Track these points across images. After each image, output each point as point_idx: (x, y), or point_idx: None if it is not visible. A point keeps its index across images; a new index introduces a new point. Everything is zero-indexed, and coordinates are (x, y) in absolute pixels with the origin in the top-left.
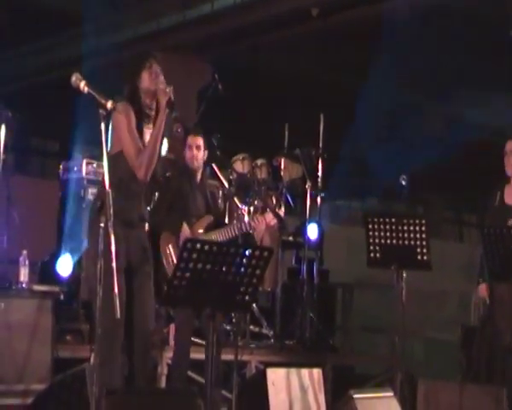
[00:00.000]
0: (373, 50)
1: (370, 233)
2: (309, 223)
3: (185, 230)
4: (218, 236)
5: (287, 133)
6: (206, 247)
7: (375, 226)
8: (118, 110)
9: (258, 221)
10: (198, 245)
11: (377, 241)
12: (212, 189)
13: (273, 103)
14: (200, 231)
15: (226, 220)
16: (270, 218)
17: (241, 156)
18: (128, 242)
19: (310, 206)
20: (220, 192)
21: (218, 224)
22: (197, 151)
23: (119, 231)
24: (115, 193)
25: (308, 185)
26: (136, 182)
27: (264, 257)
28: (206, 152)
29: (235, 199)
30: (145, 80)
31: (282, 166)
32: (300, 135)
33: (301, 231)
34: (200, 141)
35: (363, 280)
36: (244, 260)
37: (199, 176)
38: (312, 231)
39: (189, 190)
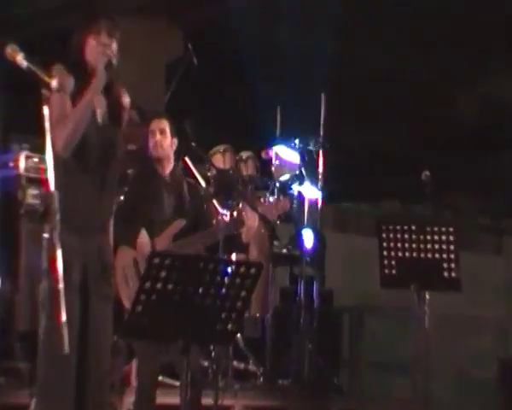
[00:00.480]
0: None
1: (385, 244)
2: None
3: (142, 241)
4: (192, 245)
5: (279, 118)
6: (178, 262)
7: (391, 236)
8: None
9: (247, 214)
10: (167, 261)
11: (393, 254)
12: (193, 186)
13: (262, 82)
14: (165, 241)
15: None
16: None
17: (221, 148)
18: (84, 255)
19: (308, 210)
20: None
21: (196, 227)
22: (161, 136)
23: (72, 241)
24: (64, 193)
25: (306, 184)
26: (92, 178)
27: (251, 275)
28: (175, 140)
29: (215, 202)
30: (90, 50)
31: (274, 161)
32: (296, 121)
33: (297, 241)
34: (165, 124)
35: (375, 303)
36: (226, 279)
37: (167, 168)
38: (307, 239)
39: (153, 188)
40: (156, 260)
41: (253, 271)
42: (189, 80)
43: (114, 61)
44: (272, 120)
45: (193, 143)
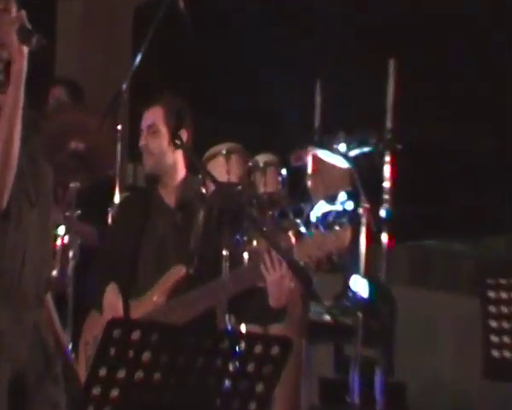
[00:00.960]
0: None
1: (493, 309)
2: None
3: (109, 303)
4: (189, 308)
5: (318, 101)
6: (155, 337)
7: (503, 295)
8: None
9: (271, 267)
10: (135, 334)
11: (507, 325)
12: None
13: (289, 44)
14: (152, 302)
15: None
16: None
17: (224, 148)
18: (14, 337)
19: (367, 251)
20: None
21: (202, 278)
22: (151, 136)
23: None
24: None
25: (364, 208)
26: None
27: (272, 358)
28: (184, 132)
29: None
30: None
31: (310, 170)
32: (345, 108)
33: (347, 301)
34: (158, 114)
35: (472, 407)
36: (232, 365)
37: (171, 184)
38: (360, 288)
39: (140, 223)
40: (116, 333)
41: (275, 351)
42: (171, 38)
43: (29, 26)
44: (308, 108)
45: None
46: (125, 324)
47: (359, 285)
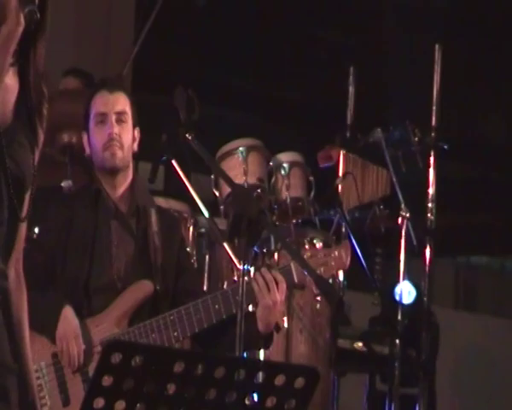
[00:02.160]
0: None
1: None
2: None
3: (66, 326)
4: (163, 333)
5: (351, 92)
6: (159, 363)
7: None
8: None
9: (266, 289)
10: (137, 359)
11: None
12: (169, 216)
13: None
14: (111, 323)
15: (205, 287)
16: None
17: (241, 145)
18: None
19: (407, 265)
20: (190, 225)
21: (175, 299)
22: (119, 126)
23: None
24: None
25: (404, 216)
26: None
27: (295, 391)
28: (137, 132)
29: (227, 246)
30: None
31: (341, 172)
32: (384, 98)
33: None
34: (125, 102)
35: None
36: (249, 399)
37: (122, 185)
38: (406, 294)
39: (91, 226)
40: (117, 359)
41: (300, 384)
42: (181, 16)
43: None
44: (339, 100)
45: (187, 135)
46: (126, 347)
47: (404, 291)
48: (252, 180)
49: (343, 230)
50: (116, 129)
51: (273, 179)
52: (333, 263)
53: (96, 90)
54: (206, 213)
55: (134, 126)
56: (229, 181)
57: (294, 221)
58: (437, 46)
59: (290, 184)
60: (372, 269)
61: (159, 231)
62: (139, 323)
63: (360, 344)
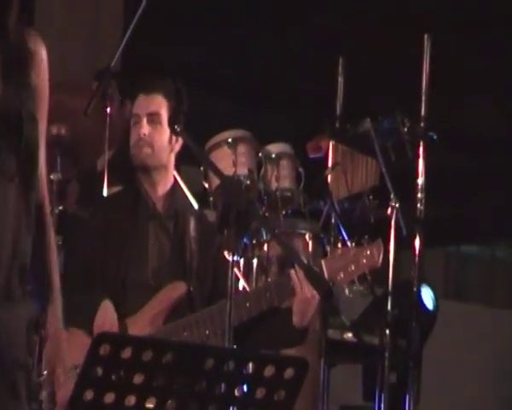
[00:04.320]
0: None
1: None
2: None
3: (104, 321)
4: (194, 331)
5: (341, 82)
6: (147, 354)
7: None
8: None
9: (301, 286)
10: (126, 350)
11: None
12: (207, 223)
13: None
14: (149, 321)
15: None
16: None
17: (230, 136)
18: None
19: (396, 257)
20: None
21: (210, 298)
22: (152, 127)
23: None
24: None
25: (394, 206)
26: None
27: (286, 382)
28: (180, 133)
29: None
30: None
31: (331, 162)
32: (373, 87)
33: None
34: (161, 103)
35: None
36: (238, 390)
37: (161, 188)
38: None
39: (130, 226)
40: (104, 349)
41: (289, 374)
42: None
43: None
44: (328, 89)
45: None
46: (114, 339)
47: (426, 296)
48: (241, 171)
49: (332, 220)
50: (146, 130)
51: (262, 170)
52: (364, 261)
53: (138, 91)
54: (195, 205)
55: (172, 128)
56: (218, 172)
57: (284, 212)
58: (426, 35)
59: (279, 175)
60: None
61: (196, 236)
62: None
63: (350, 335)
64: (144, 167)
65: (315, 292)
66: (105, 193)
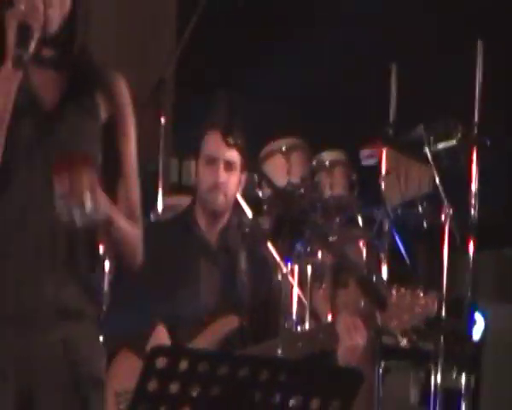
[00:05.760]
0: None
1: None
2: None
3: (158, 341)
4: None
5: (394, 89)
6: (205, 367)
7: None
8: None
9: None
10: (184, 363)
11: None
12: (259, 257)
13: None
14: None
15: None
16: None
17: (283, 145)
18: (27, 360)
19: (450, 264)
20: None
21: (258, 334)
22: (228, 174)
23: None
24: None
25: (447, 212)
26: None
27: (341, 392)
28: (244, 177)
29: (271, 247)
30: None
31: (384, 169)
32: (427, 94)
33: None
34: (236, 152)
35: None
36: (293, 400)
37: (218, 225)
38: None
39: (185, 258)
40: (161, 363)
41: (344, 384)
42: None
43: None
44: (382, 96)
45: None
46: (171, 352)
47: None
48: (295, 180)
49: (386, 227)
50: (224, 177)
51: (316, 178)
52: (419, 310)
53: (211, 126)
54: (249, 213)
55: (242, 172)
56: (271, 184)
57: (338, 219)
58: (479, 42)
59: (333, 183)
60: (416, 266)
61: (247, 270)
62: None
63: (405, 341)
64: (213, 214)
65: (360, 341)
66: (160, 198)
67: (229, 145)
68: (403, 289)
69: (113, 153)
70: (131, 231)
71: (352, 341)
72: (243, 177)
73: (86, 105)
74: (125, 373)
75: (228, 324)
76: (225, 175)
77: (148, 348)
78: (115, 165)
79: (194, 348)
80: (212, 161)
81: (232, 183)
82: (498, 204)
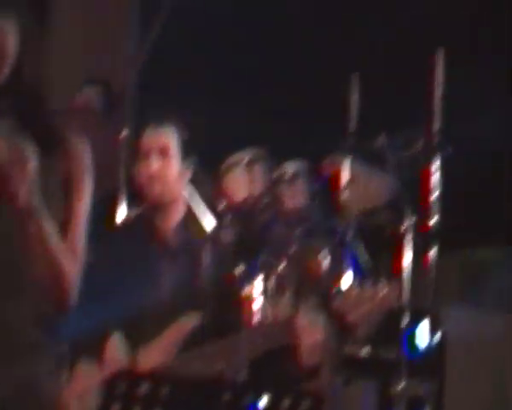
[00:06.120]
0: None
1: None
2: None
3: (113, 354)
4: (208, 362)
5: (354, 99)
6: (164, 392)
7: None
8: None
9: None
10: (143, 388)
11: None
12: (221, 247)
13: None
14: (160, 353)
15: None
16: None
17: (245, 157)
18: None
19: (413, 271)
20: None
21: (219, 330)
22: (163, 162)
23: None
24: None
25: (408, 221)
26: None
27: None
28: (190, 164)
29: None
30: None
31: (343, 181)
32: (388, 103)
33: (392, 331)
34: (170, 137)
35: None
36: None
37: (172, 220)
38: (422, 337)
39: (141, 258)
40: (119, 389)
41: (306, 406)
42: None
43: None
44: (343, 106)
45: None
46: (131, 377)
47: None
48: (256, 192)
49: (347, 237)
50: (156, 166)
51: (277, 190)
52: (379, 303)
53: (145, 124)
54: (212, 223)
55: (183, 158)
56: (228, 196)
57: (299, 231)
58: (439, 50)
59: (295, 194)
60: (378, 275)
61: (210, 266)
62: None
63: (366, 350)
64: (155, 205)
65: (319, 338)
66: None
67: (160, 132)
68: (363, 282)
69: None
70: (64, 259)
71: (311, 338)
72: (186, 164)
73: (44, 162)
74: (83, 381)
75: (189, 321)
76: (159, 164)
77: (105, 354)
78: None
79: (154, 370)
80: (146, 154)
81: (169, 170)
82: (460, 207)
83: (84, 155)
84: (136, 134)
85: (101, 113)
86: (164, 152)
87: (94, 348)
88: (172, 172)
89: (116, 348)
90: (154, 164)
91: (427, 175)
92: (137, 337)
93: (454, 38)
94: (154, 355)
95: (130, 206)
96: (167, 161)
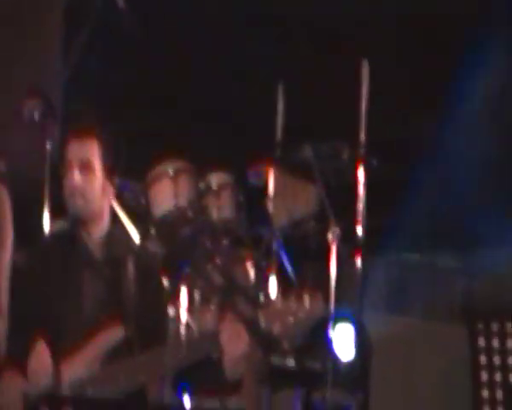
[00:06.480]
0: None
1: (482, 343)
2: (336, 318)
3: (37, 364)
4: (134, 375)
5: (280, 108)
6: None
7: (491, 340)
8: None
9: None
10: None
11: (499, 362)
12: (147, 261)
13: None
14: (84, 365)
15: None
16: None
17: (170, 168)
18: None
19: (339, 279)
20: None
21: (146, 342)
22: (85, 174)
23: None
24: None
25: (334, 233)
26: None
27: None
28: (114, 177)
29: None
30: None
31: (272, 189)
32: (313, 114)
33: (317, 341)
34: (94, 147)
35: None
36: None
37: (97, 232)
38: (342, 339)
39: (65, 270)
40: None
41: None
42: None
43: None
44: (269, 115)
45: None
46: (51, 400)
47: (340, 331)
48: (182, 203)
49: (274, 247)
50: (78, 180)
51: (203, 201)
52: (303, 315)
53: (68, 135)
54: (137, 239)
55: (107, 173)
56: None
57: (225, 241)
58: (364, 61)
59: (220, 205)
60: (304, 284)
61: (135, 278)
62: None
63: (292, 360)
64: (78, 219)
65: (243, 348)
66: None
67: (82, 146)
68: (288, 295)
69: None
70: None
71: (235, 350)
72: (110, 179)
73: None
74: (7, 390)
75: (111, 335)
76: (81, 178)
77: (31, 366)
78: None
79: (76, 394)
80: (69, 167)
81: (90, 184)
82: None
83: (5, 205)
84: (61, 147)
85: (40, 125)
86: (86, 166)
87: (20, 357)
88: (95, 187)
89: (41, 357)
90: (76, 178)
91: (352, 185)
92: (61, 349)
93: (379, 50)
94: (76, 367)
95: (56, 218)
96: (90, 176)
